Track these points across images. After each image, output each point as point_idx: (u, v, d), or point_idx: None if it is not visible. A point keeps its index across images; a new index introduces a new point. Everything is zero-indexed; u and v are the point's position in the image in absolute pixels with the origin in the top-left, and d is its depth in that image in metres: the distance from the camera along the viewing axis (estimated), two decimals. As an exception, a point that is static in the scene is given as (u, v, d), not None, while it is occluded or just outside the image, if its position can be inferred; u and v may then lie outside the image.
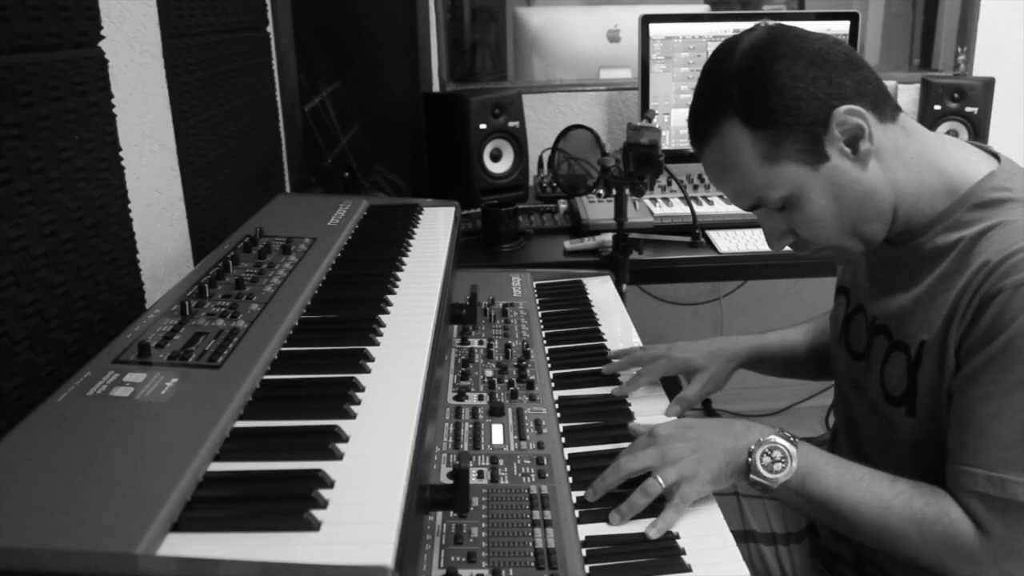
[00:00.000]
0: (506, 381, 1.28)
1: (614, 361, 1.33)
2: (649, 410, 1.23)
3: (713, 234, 1.96)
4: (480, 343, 1.41)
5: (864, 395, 1.13)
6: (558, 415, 1.20)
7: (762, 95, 0.96)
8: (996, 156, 1.04)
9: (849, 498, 0.97)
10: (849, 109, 0.95)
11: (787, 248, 1.08)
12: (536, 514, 0.97)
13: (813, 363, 1.36)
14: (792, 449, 0.99)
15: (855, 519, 0.97)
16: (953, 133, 2.38)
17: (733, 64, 0.99)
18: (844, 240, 1.03)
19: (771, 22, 1.03)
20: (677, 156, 2.31)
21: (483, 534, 0.93)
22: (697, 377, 1.28)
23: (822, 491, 0.98)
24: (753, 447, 0.99)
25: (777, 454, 0.99)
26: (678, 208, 2.05)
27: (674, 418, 1.21)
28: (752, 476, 0.99)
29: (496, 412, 1.18)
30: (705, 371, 1.28)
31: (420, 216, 1.53)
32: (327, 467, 0.71)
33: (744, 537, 1.25)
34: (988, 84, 2.36)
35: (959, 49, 2.67)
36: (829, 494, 0.98)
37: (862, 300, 1.15)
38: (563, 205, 2.18)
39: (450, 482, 0.88)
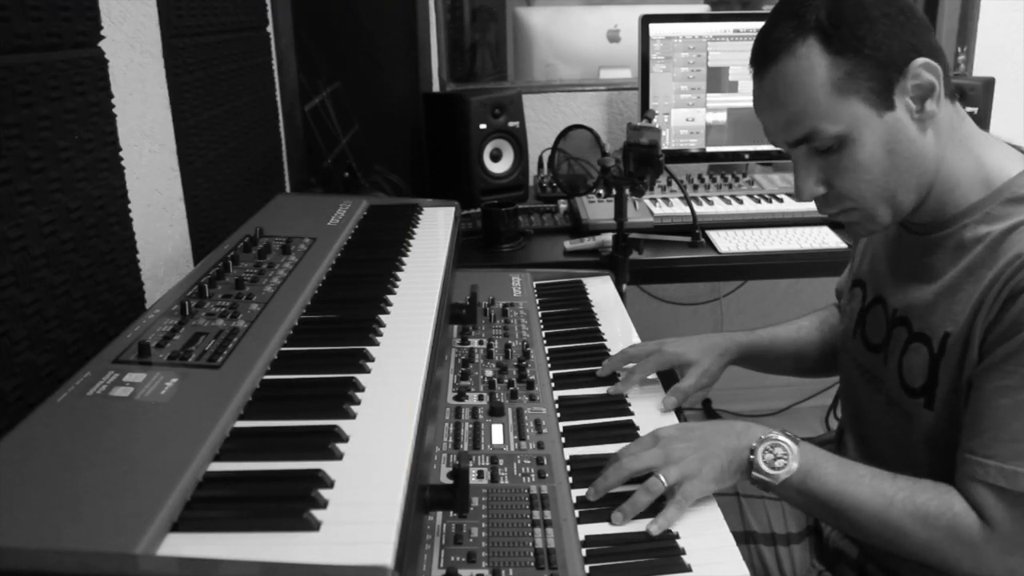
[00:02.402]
0: (506, 381, 1.28)
1: (607, 362, 1.32)
2: (648, 407, 1.23)
3: (713, 234, 1.96)
4: (480, 343, 1.41)
5: (879, 387, 1.12)
6: (558, 415, 1.20)
7: (852, 21, 0.95)
8: None
9: (851, 495, 0.97)
10: (927, 63, 0.95)
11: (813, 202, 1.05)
12: (536, 514, 0.97)
13: (806, 360, 1.37)
14: (793, 447, 0.99)
15: (857, 516, 0.97)
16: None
17: None
18: (877, 204, 1.01)
19: None
20: (677, 156, 2.32)
21: (483, 534, 0.93)
22: (691, 370, 1.28)
23: (823, 488, 0.98)
24: (755, 444, 1.00)
25: (779, 451, 0.99)
26: (678, 208, 2.05)
27: (671, 412, 1.21)
28: (754, 473, 1.00)
29: (496, 412, 1.18)
30: (698, 365, 1.29)
31: (420, 216, 1.53)
32: (327, 467, 0.71)
33: (744, 538, 1.25)
34: (988, 84, 2.36)
35: (959, 49, 2.67)
36: (831, 491, 0.98)
37: (881, 291, 1.14)
38: (563, 205, 2.18)
39: (450, 482, 0.88)
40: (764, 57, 1.01)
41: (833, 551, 1.21)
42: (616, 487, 1.00)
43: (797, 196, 1.05)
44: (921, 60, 0.95)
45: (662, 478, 0.98)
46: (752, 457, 1.00)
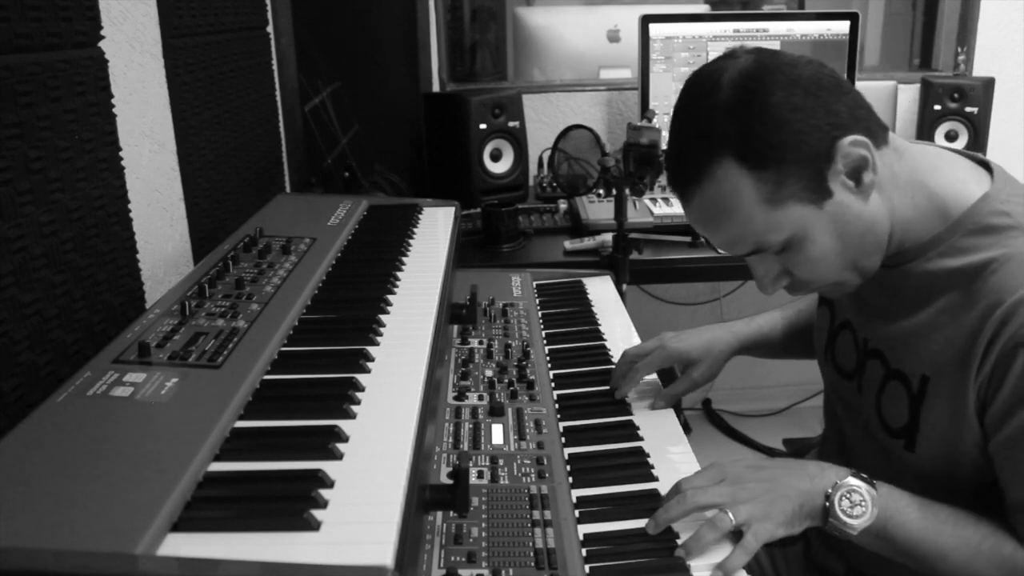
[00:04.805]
0: (506, 381, 1.28)
1: (614, 374, 1.29)
2: (648, 407, 1.23)
3: (713, 234, 1.95)
4: (480, 343, 1.41)
5: (856, 416, 1.10)
6: (558, 415, 1.20)
7: (763, 131, 0.88)
8: (987, 166, 1.00)
9: (935, 542, 0.93)
10: (853, 140, 0.90)
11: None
12: (536, 514, 0.97)
13: (799, 346, 1.35)
14: (872, 492, 0.93)
15: (942, 565, 0.93)
16: (953, 133, 2.39)
17: (721, 98, 0.90)
18: (843, 275, 0.99)
19: (749, 46, 0.95)
20: (677, 156, 2.32)
21: (483, 534, 0.93)
22: (687, 373, 1.26)
23: (906, 535, 0.93)
24: (831, 490, 0.94)
25: (856, 497, 0.93)
26: (678, 208, 2.03)
27: (671, 410, 1.20)
28: (831, 520, 0.93)
29: (496, 412, 1.18)
30: (699, 364, 1.26)
31: (420, 216, 1.53)
32: (327, 467, 0.71)
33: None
34: (988, 84, 2.36)
35: (959, 49, 2.67)
36: (914, 539, 0.93)
37: (849, 317, 1.11)
38: (563, 205, 2.18)
39: (450, 482, 0.88)
40: (684, 181, 0.96)
41: (820, 567, 1.20)
42: (679, 520, 0.95)
43: (761, 291, 1.02)
44: (847, 139, 0.90)
45: (731, 516, 0.92)
46: (828, 504, 0.93)
